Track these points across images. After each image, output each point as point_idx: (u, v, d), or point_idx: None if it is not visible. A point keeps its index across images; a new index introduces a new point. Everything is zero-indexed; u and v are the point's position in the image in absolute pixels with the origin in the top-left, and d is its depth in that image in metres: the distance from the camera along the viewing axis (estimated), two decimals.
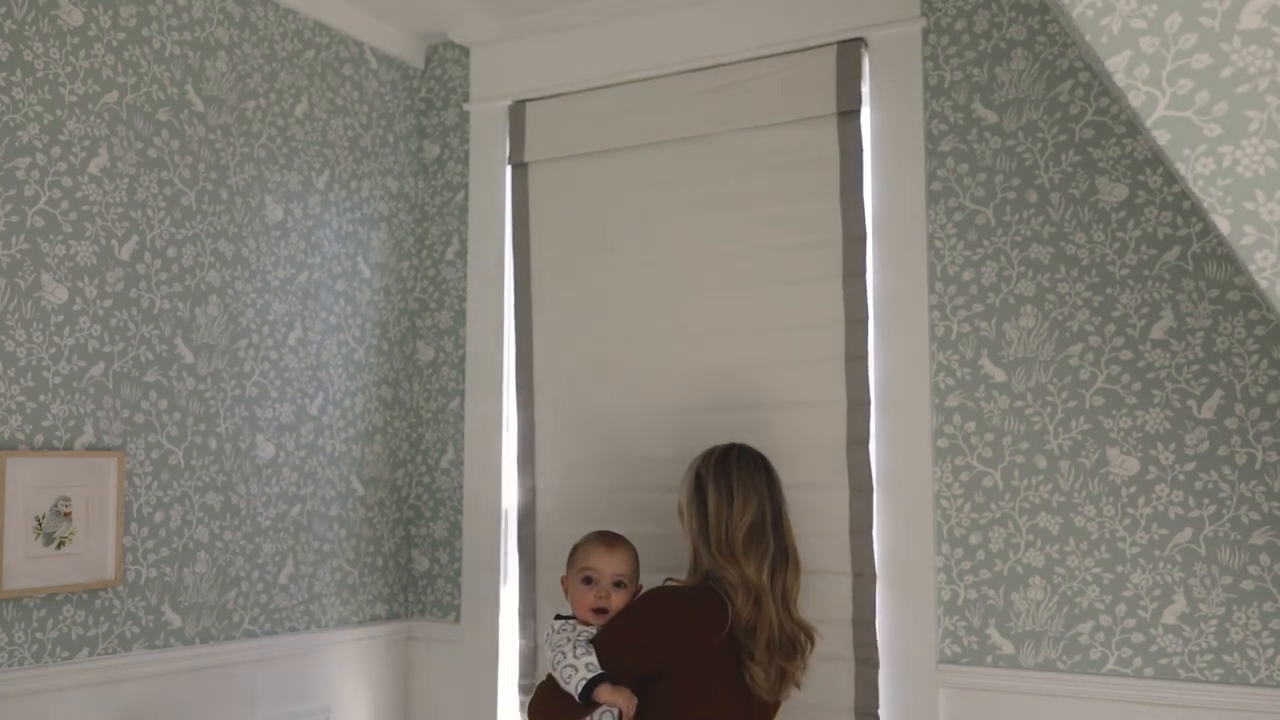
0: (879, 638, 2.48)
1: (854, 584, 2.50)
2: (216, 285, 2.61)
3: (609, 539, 2.33)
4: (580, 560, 2.30)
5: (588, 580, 2.26)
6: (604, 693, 2.07)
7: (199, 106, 2.59)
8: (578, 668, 2.09)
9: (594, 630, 2.21)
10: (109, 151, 2.38)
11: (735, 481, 2.23)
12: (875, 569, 2.49)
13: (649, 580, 2.33)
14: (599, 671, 2.09)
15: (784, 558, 2.22)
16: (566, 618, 2.27)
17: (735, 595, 2.15)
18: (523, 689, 2.89)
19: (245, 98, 2.71)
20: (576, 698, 2.08)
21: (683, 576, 2.31)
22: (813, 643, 2.25)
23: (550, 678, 2.18)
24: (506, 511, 3.01)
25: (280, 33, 2.82)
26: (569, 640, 2.16)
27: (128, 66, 2.43)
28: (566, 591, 2.33)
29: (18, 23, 2.22)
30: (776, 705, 2.25)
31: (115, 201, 2.39)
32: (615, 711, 2.14)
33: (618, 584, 2.26)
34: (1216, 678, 2.21)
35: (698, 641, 2.12)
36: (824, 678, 2.44)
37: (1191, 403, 2.28)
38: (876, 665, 2.47)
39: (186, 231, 2.54)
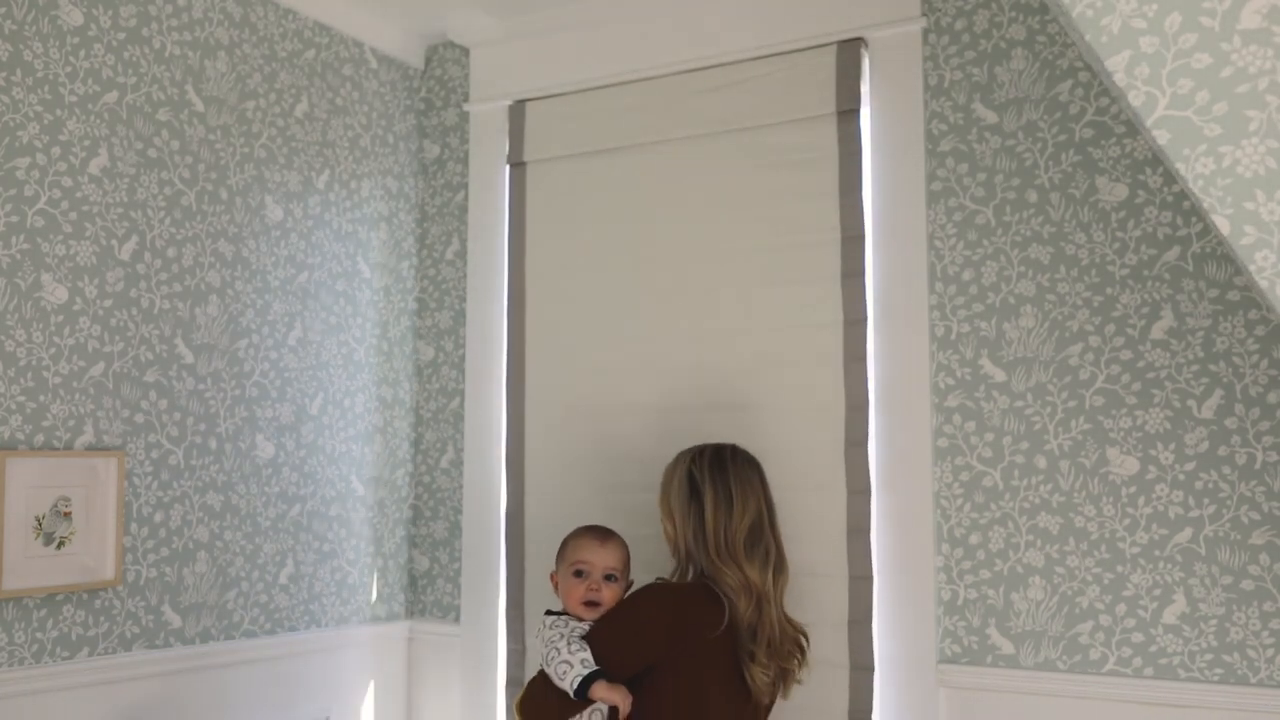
0: (878, 638, 2.48)
1: (850, 587, 2.49)
2: (216, 285, 2.61)
3: (600, 532, 2.31)
4: (571, 554, 2.28)
5: (579, 573, 2.24)
6: (600, 689, 2.04)
7: (199, 106, 2.59)
8: (573, 664, 2.06)
9: (586, 626, 2.18)
10: (109, 151, 2.38)
11: (733, 482, 2.21)
12: (872, 572, 2.49)
13: (640, 579, 2.32)
14: (595, 668, 2.06)
15: (780, 560, 2.23)
16: (557, 613, 2.25)
17: (736, 597, 2.13)
18: (511, 685, 2.88)
19: (245, 98, 2.71)
20: (572, 694, 2.05)
21: (671, 578, 2.29)
22: (809, 640, 2.26)
23: (541, 674, 2.15)
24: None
25: (280, 33, 2.82)
26: (562, 636, 2.13)
27: (128, 66, 2.43)
28: (556, 587, 2.31)
29: (18, 23, 2.22)
30: (769, 707, 2.25)
31: (115, 201, 2.39)
32: (605, 709, 2.13)
33: (609, 577, 2.24)
34: (1216, 677, 2.21)
35: (694, 637, 2.10)
36: (819, 682, 2.43)
37: (1191, 403, 2.28)
38: (871, 669, 2.46)
39: (186, 231, 2.54)
